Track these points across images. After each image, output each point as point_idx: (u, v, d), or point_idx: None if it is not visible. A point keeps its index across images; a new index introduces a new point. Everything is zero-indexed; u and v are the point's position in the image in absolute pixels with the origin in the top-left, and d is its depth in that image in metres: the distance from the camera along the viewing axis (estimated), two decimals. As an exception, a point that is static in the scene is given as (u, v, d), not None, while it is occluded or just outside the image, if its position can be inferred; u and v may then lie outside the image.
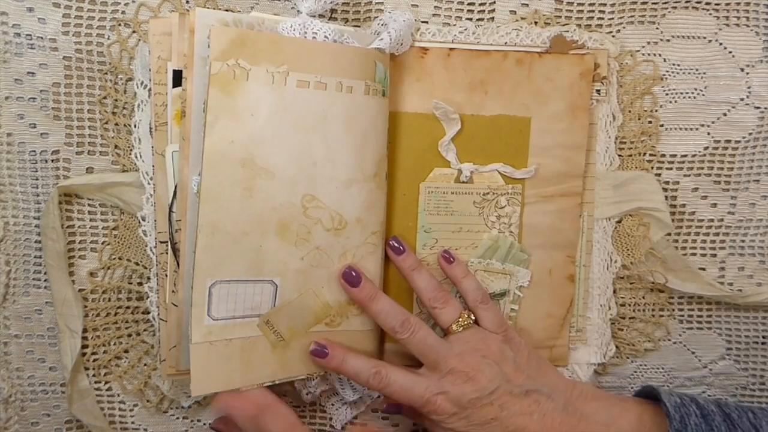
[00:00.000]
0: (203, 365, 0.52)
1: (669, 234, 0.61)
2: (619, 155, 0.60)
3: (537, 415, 0.54)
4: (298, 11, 0.55)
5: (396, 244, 0.58)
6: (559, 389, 0.55)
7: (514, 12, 0.58)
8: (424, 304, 0.57)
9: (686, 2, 0.59)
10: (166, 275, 0.55)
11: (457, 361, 0.54)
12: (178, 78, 0.53)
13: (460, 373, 0.54)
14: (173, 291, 0.55)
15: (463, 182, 0.59)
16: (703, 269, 0.62)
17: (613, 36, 0.59)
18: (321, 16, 0.56)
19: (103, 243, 0.59)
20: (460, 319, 0.56)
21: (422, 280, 0.57)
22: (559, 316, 0.61)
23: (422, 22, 0.58)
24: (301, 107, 0.52)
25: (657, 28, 0.59)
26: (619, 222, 0.61)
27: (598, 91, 0.59)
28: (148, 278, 0.59)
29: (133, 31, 0.56)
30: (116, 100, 0.57)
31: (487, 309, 0.57)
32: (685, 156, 0.61)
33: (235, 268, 0.52)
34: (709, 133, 0.61)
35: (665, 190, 0.61)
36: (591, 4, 0.58)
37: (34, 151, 0.57)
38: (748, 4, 0.59)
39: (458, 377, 0.54)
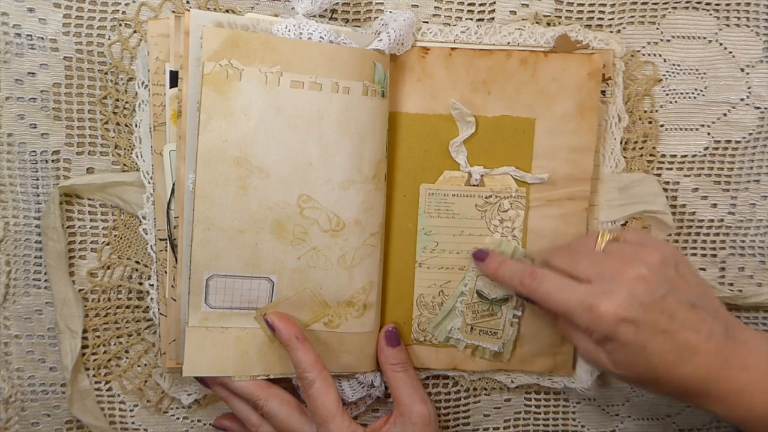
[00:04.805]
0: (197, 348, 0.54)
1: (669, 235, 0.61)
2: (624, 157, 0.60)
3: (704, 335, 0.48)
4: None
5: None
6: (720, 312, 0.51)
7: (514, 12, 0.58)
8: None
9: (686, 2, 0.59)
10: (166, 272, 0.56)
11: (620, 263, 0.50)
12: (175, 78, 0.54)
13: (627, 274, 0.49)
14: (172, 286, 0.55)
15: (474, 185, 0.58)
16: (704, 269, 0.62)
17: (614, 36, 0.59)
18: (321, 16, 0.56)
19: (103, 243, 0.59)
20: (599, 239, 0.53)
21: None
22: (564, 322, 0.60)
23: (423, 22, 0.58)
24: (296, 107, 0.52)
25: (657, 29, 0.59)
26: (623, 225, 0.61)
27: (603, 92, 0.58)
28: (149, 276, 0.59)
29: (135, 31, 0.56)
30: (117, 100, 0.57)
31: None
32: (686, 156, 0.61)
33: (232, 264, 0.53)
34: (709, 134, 0.61)
35: (665, 190, 0.61)
36: (591, 5, 0.58)
37: (35, 151, 0.57)
38: (748, 4, 0.58)
39: (623, 279, 0.49)
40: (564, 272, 0.52)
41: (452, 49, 0.57)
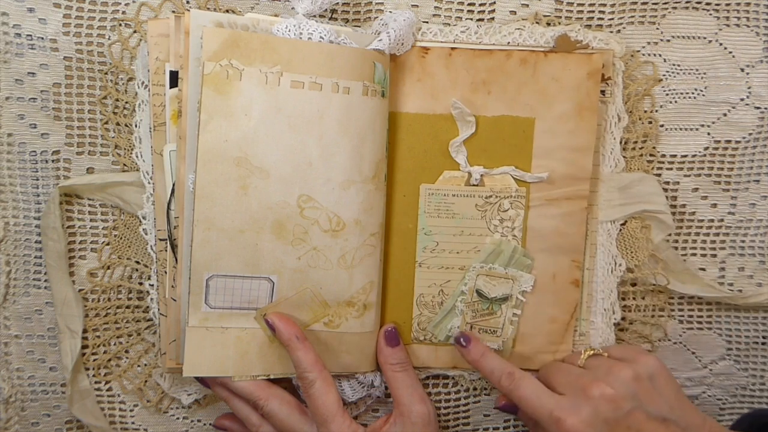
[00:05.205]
0: (197, 348, 0.54)
1: (669, 234, 0.61)
2: (624, 157, 0.60)
3: None
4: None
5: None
6: (695, 424, 0.53)
7: (514, 12, 0.58)
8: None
9: (686, 2, 0.59)
10: (166, 272, 0.56)
11: (589, 380, 0.53)
12: (175, 78, 0.54)
13: (592, 392, 0.52)
14: (172, 286, 0.55)
15: (474, 185, 0.58)
16: (704, 269, 0.62)
17: (614, 36, 0.59)
18: (321, 16, 0.56)
19: (103, 243, 0.59)
20: (582, 354, 0.57)
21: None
22: (563, 321, 0.60)
23: (423, 22, 0.58)
24: (296, 107, 0.52)
25: (657, 29, 0.59)
26: (623, 225, 0.61)
27: (603, 92, 0.58)
28: (149, 276, 0.59)
29: (135, 31, 0.56)
30: (117, 99, 0.57)
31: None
32: (686, 156, 0.61)
33: (232, 264, 0.53)
34: (709, 134, 0.61)
35: (665, 190, 0.61)
36: (591, 5, 0.58)
37: (35, 151, 0.57)
38: (748, 4, 0.58)
39: (589, 396, 0.52)
40: (544, 381, 0.55)
41: (452, 49, 0.57)
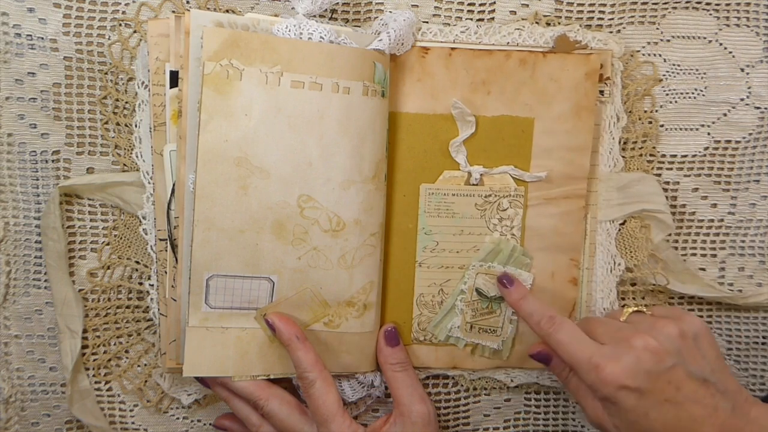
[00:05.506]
0: (197, 348, 0.54)
1: (669, 234, 0.61)
2: (623, 157, 0.60)
3: (710, 410, 0.50)
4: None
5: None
6: (731, 390, 0.52)
7: (514, 12, 0.58)
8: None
9: (686, 2, 0.59)
10: (166, 272, 0.56)
11: (633, 332, 0.51)
12: (175, 79, 0.54)
13: (636, 342, 0.50)
14: (172, 286, 0.55)
15: (474, 185, 0.58)
16: (703, 269, 0.62)
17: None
18: (321, 16, 0.56)
19: (103, 243, 0.59)
20: (624, 310, 0.55)
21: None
22: (562, 319, 0.60)
23: (423, 22, 0.58)
24: (296, 107, 0.52)
25: (657, 29, 0.59)
26: (622, 224, 0.61)
27: (601, 92, 0.58)
28: (149, 276, 0.59)
29: (135, 31, 0.56)
30: (117, 99, 0.57)
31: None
32: (686, 156, 0.61)
33: (232, 264, 0.53)
34: (709, 134, 0.61)
35: (665, 190, 0.61)
36: (591, 5, 0.58)
37: (35, 151, 0.57)
38: (748, 4, 0.58)
39: (632, 346, 0.50)
40: (585, 331, 0.53)
41: (452, 49, 0.57)
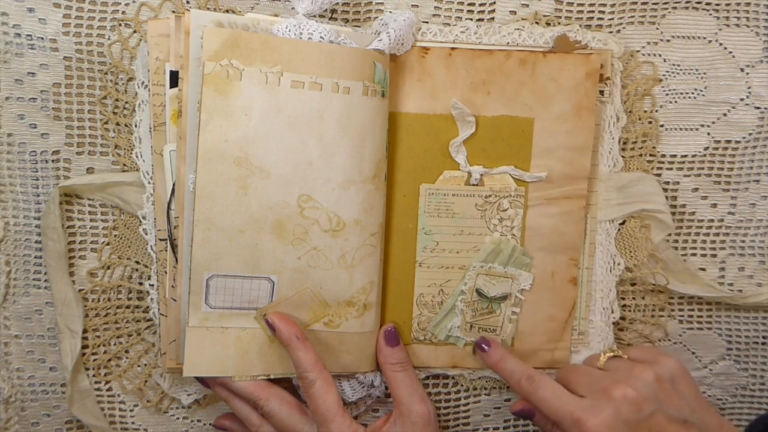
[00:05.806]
0: (197, 348, 0.54)
1: (669, 234, 0.61)
2: (623, 156, 0.60)
3: None
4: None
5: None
6: (713, 427, 0.53)
7: (514, 12, 0.58)
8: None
9: (686, 2, 0.59)
10: (166, 272, 0.56)
11: (611, 382, 0.53)
12: (175, 79, 0.54)
13: (614, 393, 0.52)
14: (172, 286, 0.55)
15: (474, 185, 0.58)
16: (703, 269, 0.62)
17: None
18: (321, 16, 0.56)
19: (103, 243, 0.59)
20: (601, 356, 0.57)
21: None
22: (561, 319, 0.60)
23: (423, 22, 0.58)
24: (296, 107, 0.52)
25: (657, 29, 0.59)
26: (622, 224, 0.61)
27: (601, 92, 0.58)
28: (149, 276, 0.59)
29: (135, 31, 0.56)
30: (117, 99, 0.57)
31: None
32: (686, 156, 0.61)
33: (232, 264, 0.53)
34: (709, 134, 0.61)
35: (665, 190, 0.61)
36: (591, 5, 0.58)
37: (35, 151, 0.57)
38: (748, 4, 0.59)
39: (611, 397, 0.52)
40: (564, 383, 0.55)
41: (452, 49, 0.57)
